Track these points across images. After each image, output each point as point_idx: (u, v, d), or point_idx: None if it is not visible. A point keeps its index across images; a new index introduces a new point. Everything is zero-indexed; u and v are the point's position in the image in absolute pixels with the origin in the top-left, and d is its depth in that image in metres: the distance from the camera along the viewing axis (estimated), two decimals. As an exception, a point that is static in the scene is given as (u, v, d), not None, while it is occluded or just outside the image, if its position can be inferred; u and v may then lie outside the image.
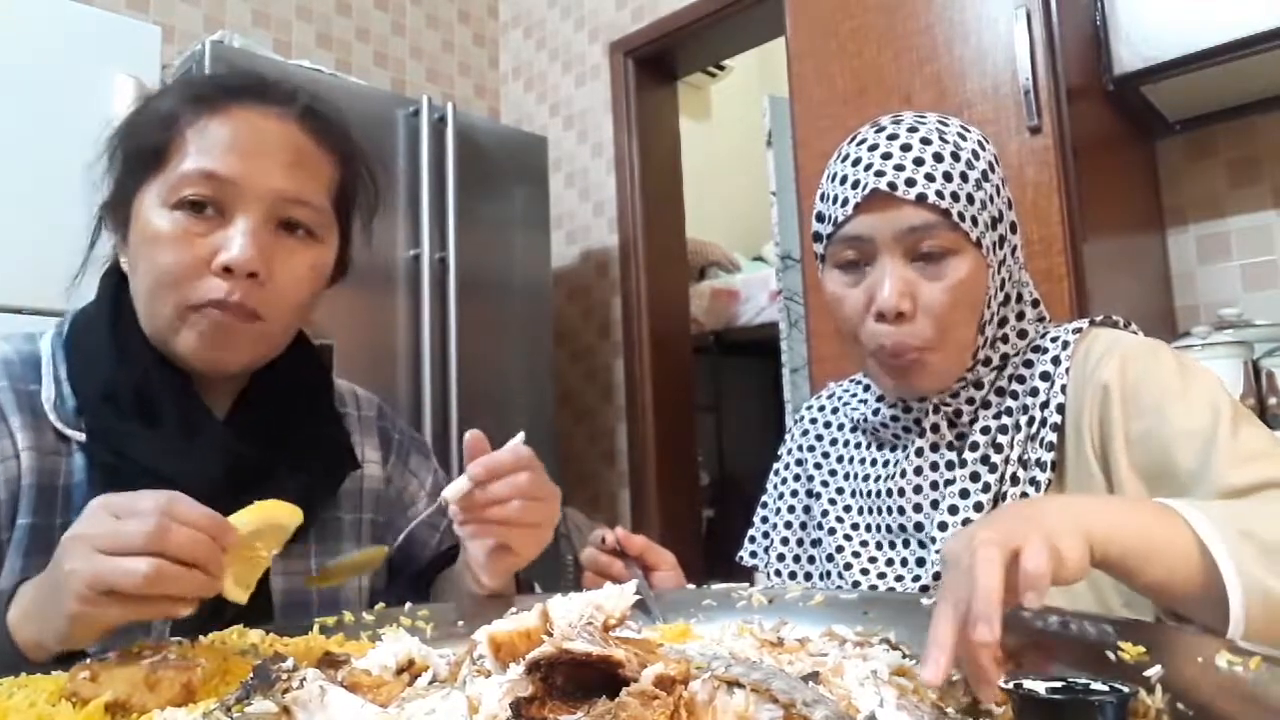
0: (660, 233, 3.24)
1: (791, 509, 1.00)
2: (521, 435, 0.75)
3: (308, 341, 0.89)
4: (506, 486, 0.71)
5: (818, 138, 2.03)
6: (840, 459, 0.98)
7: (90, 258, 0.84)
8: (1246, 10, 1.64)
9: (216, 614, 0.68)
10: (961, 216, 0.80)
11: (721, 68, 4.49)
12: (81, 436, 0.76)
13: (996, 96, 1.76)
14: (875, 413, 0.92)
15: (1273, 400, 1.66)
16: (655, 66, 3.30)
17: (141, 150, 0.76)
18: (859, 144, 0.85)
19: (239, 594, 0.60)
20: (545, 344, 2.83)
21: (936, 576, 0.80)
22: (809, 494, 0.99)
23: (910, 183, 0.79)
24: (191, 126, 0.75)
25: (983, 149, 0.84)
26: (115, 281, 0.81)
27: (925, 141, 0.81)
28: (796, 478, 1.02)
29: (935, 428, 0.86)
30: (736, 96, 4.75)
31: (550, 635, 0.43)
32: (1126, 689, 0.41)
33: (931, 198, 0.79)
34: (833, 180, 0.85)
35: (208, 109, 0.75)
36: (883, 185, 0.80)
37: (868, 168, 0.81)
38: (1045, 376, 0.83)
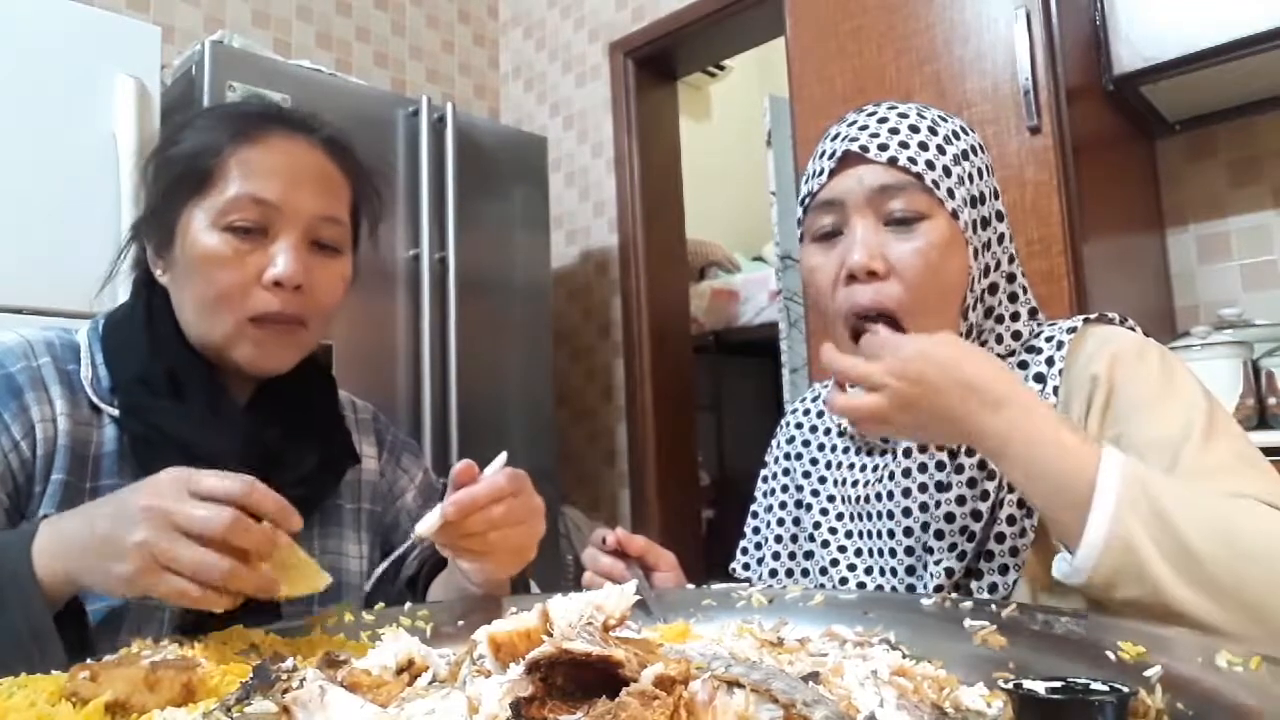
0: (660, 233, 3.24)
1: (781, 521, 0.99)
2: (503, 456, 0.77)
3: (315, 356, 0.98)
4: (481, 521, 0.73)
5: (817, 137, 2.00)
6: (828, 465, 0.95)
7: (116, 267, 0.93)
8: (1246, 10, 1.64)
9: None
10: (936, 184, 0.79)
11: (721, 68, 4.50)
12: (115, 411, 0.84)
13: (996, 96, 1.76)
14: None
15: (1272, 400, 1.66)
16: (655, 66, 3.30)
17: (187, 175, 0.84)
18: (840, 123, 0.87)
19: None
20: (545, 344, 2.83)
21: (936, 590, 0.79)
22: (798, 504, 0.97)
23: (883, 147, 0.80)
24: (235, 155, 0.83)
25: (965, 134, 0.85)
26: (144, 287, 0.90)
27: (902, 116, 0.83)
28: (784, 488, 1.00)
29: None
30: (736, 96, 4.75)
31: (550, 635, 0.43)
32: (1126, 689, 0.41)
33: (903, 160, 0.80)
34: (814, 158, 0.88)
35: (247, 139, 0.84)
36: (854, 148, 0.81)
37: (842, 138, 0.83)
38: (1040, 378, 0.82)
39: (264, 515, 0.62)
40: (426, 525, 0.72)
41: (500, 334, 2.69)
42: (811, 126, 2.05)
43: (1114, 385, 0.77)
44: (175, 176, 0.85)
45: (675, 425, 3.17)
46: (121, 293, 0.93)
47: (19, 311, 1.80)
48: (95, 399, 0.84)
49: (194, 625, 0.71)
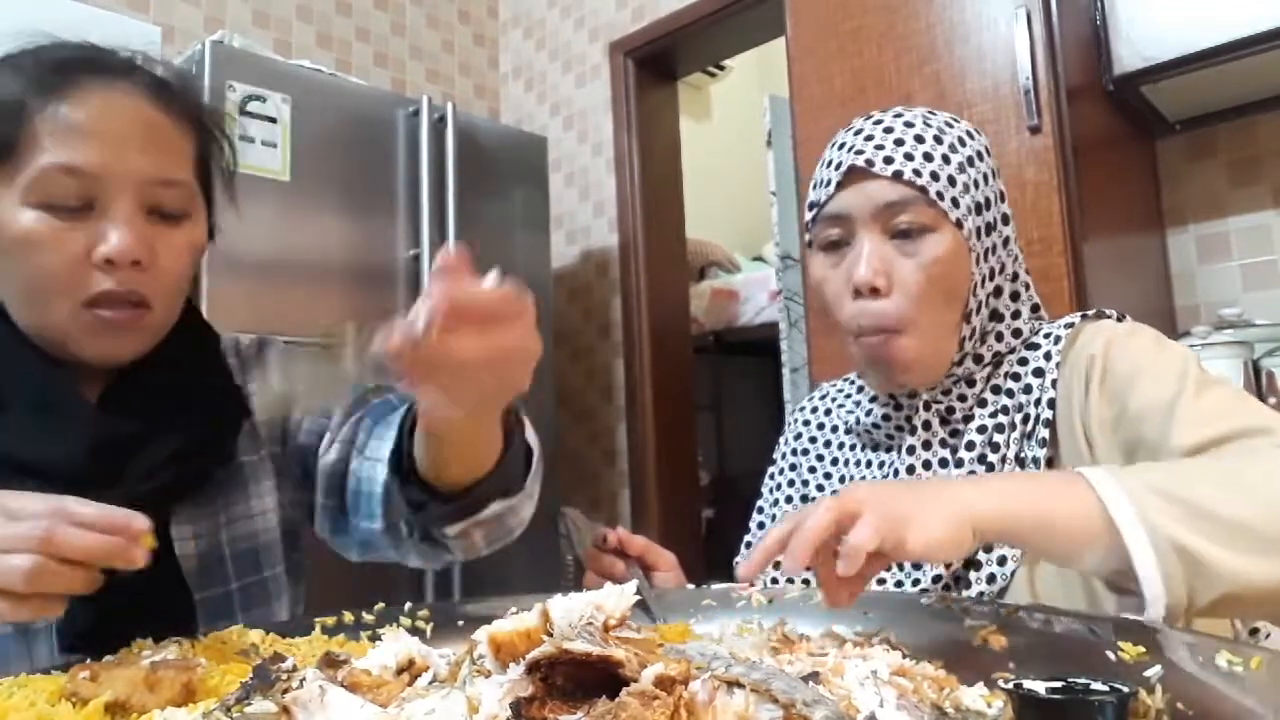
0: (660, 233, 3.24)
1: (787, 515, 1.00)
2: (496, 273, 0.57)
3: (196, 314, 0.87)
4: (470, 350, 0.55)
5: (818, 138, 2.03)
6: (835, 462, 0.97)
7: None
8: (1246, 10, 1.63)
9: (111, 583, 0.66)
10: (940, 195, 0.80)
11: (721, 68, 4.49)
12: None
13: (996, 96, 1.76)
14: (867, 414, 0.91)
15: (1272, 400, 1.66)
16: (655, 66, 3.30)
17: None
18: (847, 130, 0.87)
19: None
20: (545, 344, 2.82)
21: (936, 580, 0.80)
22: (804, 499, 0.98)
23: (888, 160, 0.80)
24: (40, 114, 0.70)
25: (971, 138, 0.85)
26: None
27: (908, 125, 0.83)
28: (791, 483, 1.01)
29: (927, 425, 0.86)
30: (736, 96, 4.75)
31: (550, 635, 0.43)
32: (1126, 689, 0.41)
33: (908, 174, 0.80)
34: (821, 165, 0.88)
35: (54, 93, 0.71)
36: (860, 162, 0.81)
37: (849, 149, 0.83)
38: (1039, 373, 0.83)
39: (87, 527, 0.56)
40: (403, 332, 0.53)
41: (500, 334, 2.69)
42: (811, 126, 2.05)
43: (1109, 362, 0.79)
44: None
45: (675, 425, 3.17)
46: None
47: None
48: None
49: (85, 641, 0.66)
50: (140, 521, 0.57)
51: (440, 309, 0.53)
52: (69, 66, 0.74)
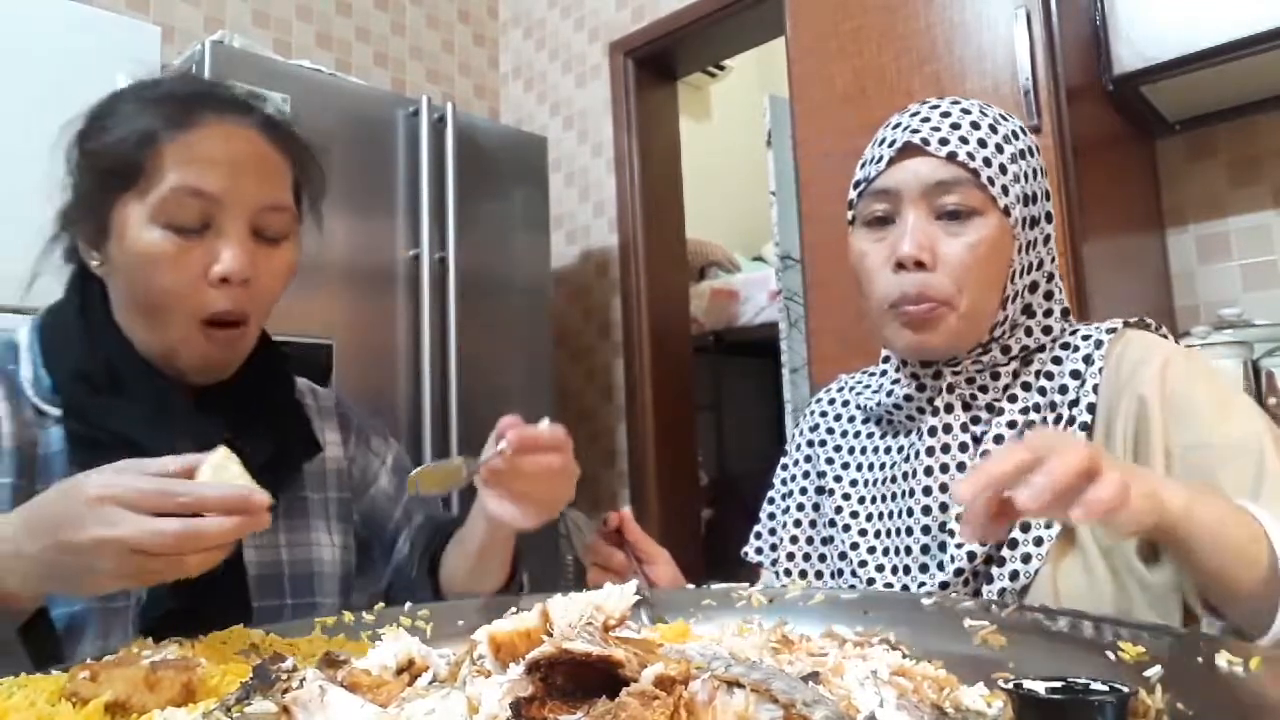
0: (660, 233, 3.24)
1: (800, 506, 0.99)
2: (546, 421, 0.80)
3: (268, 337, 0.95)
4: (535, 464, 0.76)
5: (818, 138, 2.03)
6: (852, 450, 0.96)
7: (43, 260, 0.90)
8: (1246, 10, 1.63)
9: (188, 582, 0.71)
10: (991, 181, 0.81)
11: (721, 68, 4.49)
12: (57, 411, 0.81)
13: (996, 96, 1.75)
14: (889, 394, 0.91)
15: (1272, 400, 1.66)
16: (655, 66, 3.30)
17: (118, 165, 0.79)
18: (903, 113, 0.88)
19: None
20: (545, 344, 2.83)
21: (957, 574, 0.80)
22: (819, 490, 0.98)
23: (943, 141, 0.82)
24: (171, 143, 0.79)
25: (1023, 134, 0.86)
26: (80, 279, 0.87)
27: (965, 111, 0.84)
28: (805, 474, 1.01)
29: (949, 407, 0.86)
30: (736, 96, 4.75)
31: (550, 635, 0.43)
32: (1126, 689, 0.41)
33: (961, 156, 0.81)
34: (873, 145, 0.89)
35: (181, 126, 0.79)
36: (915, 140, 0.83)
37: (904, 128, 0.85)
38: (1076, 375, 0.83)
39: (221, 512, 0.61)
40: (487, 456, 0.76)
41: (500, 334, 2.69)
42: (811, 126, 2.05)
43: (1167, 396, 0.78)
44: (105, 169, 0.80)
45: (675, 425, 3.17)
46: (56, 286, 0.89)
47: (19, 311, 1.80)
48: (37, 400, 0.81)
49: (158, 626, 0.69)
50: (259, 497, 0.61)
51: (513, 440, 0.75)
52: (194, 101, 0.82)
